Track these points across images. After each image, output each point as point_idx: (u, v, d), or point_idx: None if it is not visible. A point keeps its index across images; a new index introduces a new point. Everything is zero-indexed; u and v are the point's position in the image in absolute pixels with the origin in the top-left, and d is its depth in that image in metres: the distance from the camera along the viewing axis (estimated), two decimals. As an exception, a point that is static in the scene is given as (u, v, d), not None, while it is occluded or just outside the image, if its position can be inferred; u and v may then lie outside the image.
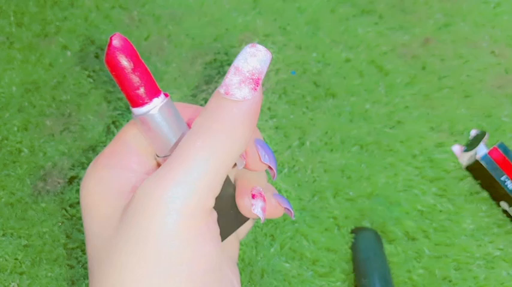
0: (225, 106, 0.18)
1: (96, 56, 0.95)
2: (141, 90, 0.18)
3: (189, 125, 0.20)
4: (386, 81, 0.94)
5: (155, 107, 0.18)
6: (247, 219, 0.23)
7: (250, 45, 0.19)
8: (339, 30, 1.00)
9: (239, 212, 0.22)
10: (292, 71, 0.95)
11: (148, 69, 0.18)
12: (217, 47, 0.97)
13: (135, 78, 0.18)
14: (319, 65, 0.95)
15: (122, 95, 0.92)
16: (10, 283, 0.79)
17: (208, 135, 0.17)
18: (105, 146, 0.87)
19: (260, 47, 0.19)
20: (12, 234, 0.81)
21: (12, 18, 1.01)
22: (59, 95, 0.93)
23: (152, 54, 0.97)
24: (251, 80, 0.18)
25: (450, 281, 0.75)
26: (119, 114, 0.90)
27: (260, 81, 0.18)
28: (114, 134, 0.89)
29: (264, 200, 0.21)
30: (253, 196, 0.21)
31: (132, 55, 0.17)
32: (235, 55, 0.97)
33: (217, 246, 0.18)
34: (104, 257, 0.17)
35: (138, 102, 0.18)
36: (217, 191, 0.18)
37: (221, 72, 0.95)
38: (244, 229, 0.23)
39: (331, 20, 1.01)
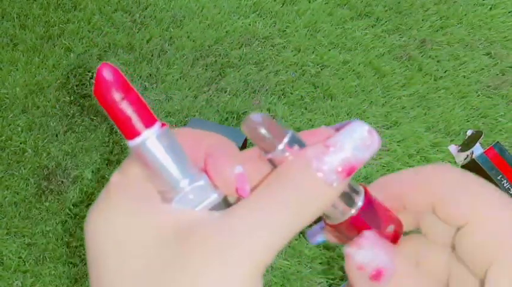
0: (309, 182, 0.16)
1: (99, 58, 0.97)
2: (132, 122, 0.17)
3: (204, 162, 0.18)
4: (383, 82, 0.95)
5: (147, 138, 0.17)
6: None
7: (367, 129, 0.16)
8: (337, 33, 1.01)
9: None
10: (292, 73, 0.96)
11: (141, 97, 0.18)
12: (218, 49, 0.99)
13: (125, 110, 0.16)
14: (317, 67, 0.96)
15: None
16: (14, 281, 0.80)
17: (278, 206, 0.16)
18: (108, 146, 0.89)
19: (376, 137, 0.16)
20: (16, 233, 0.82)
21: (16, 20, 1.02)
22: (63, 96, 0.94)
23: (154, 56, 0.98)
24: (349, 169, 0.16)
25: (446, 278, 0.77)
26: (121, 115, 0.92)
27: (355, 171, 0.16)
28: (117, 135, 0.90)
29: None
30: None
31: (123, 85, 0.16)
32: (235, 57, 0.98)
33: None
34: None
35: (129, 134, 0.17)
36: (270, 259, 0.16)
37: (222, 74, 0.96)
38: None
39: (329, 22, 1.02)
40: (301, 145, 0.17)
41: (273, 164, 0.17)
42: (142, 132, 0.17)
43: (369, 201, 0.19)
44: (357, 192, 0.18)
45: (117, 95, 0.16)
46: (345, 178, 0.16)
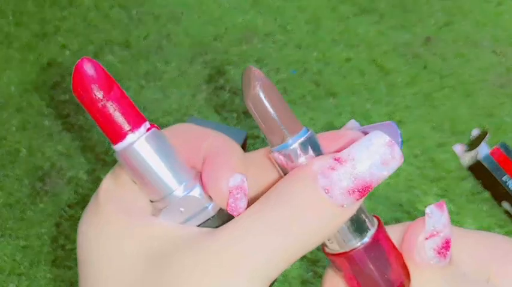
0: (313, 203, 0.14)
1: (95, 55, 0.96)
2: (116, 124, 0.15)
3: (199, 169, 0.16)
4: (387, 80, 0.94)
5: (133, 142, 0.15)
6: None
7: (387, 141, 0.13)
8: (340, 29, 1.00)
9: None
10: (293, 71, 0.95)
11: (126, 95, 0.15)
12: (217, 46, 0.98)
13: (109, 110, 0.14)
14: (319, 64, 0.96)
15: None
16: (8, 285, 0.79)
17: (273, 229, 0.14)
18: (103, 147, 0.87)
19: (397, 151, 0.14)
20: (10, 235, 0.82)
21: (10, 17, 1.01)
22: (58, 95, 0.93)
23: (151, 54, 0.97)
24: (362, 189, 0.13)
25: (452, 282, 0.75)
26: (118, 114, 0.91)
27: (370, 191, 0.14)
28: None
29: None
30: None
31: (105, 82, 0.14)
32: (235, 54, 0.97)
33: None
34: None
35: (114, 138, 0.15)
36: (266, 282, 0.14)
37: (221, 72, 0.95)
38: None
39: (331, 19, 1.02)
40: (317, 150, 0.14)
41: (280, 165, 0.14)
42: (128, 135, 0.15)
43: (381, 237, 0.15)
44: (368, 221, 0.15)
45: (98, 93, 0.14)
46: (358, 199, 0.14)
